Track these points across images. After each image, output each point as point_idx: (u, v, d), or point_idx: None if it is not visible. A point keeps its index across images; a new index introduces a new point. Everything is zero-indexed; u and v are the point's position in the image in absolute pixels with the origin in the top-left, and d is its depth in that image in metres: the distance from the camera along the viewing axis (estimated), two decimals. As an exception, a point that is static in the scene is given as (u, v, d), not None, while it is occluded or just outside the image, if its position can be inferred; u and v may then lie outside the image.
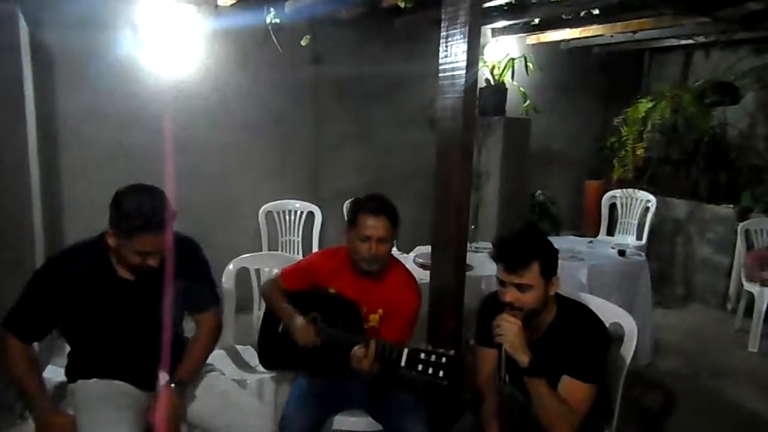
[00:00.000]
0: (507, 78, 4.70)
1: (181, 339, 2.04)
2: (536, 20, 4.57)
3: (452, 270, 2.29)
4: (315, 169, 4.62)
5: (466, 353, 2.43)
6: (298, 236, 4.37)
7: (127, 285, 1.84)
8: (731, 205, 4.84)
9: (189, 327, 2.08)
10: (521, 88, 4.76)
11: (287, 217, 4.36)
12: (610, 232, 5.26)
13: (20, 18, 3.02)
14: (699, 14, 3.89)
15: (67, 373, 1.94)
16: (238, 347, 2.64)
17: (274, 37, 3.97)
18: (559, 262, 1.86)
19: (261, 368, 2.33)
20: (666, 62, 5.99)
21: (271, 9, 3.88)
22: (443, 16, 2.21)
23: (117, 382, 1.87)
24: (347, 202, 4.25)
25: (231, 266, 2.68)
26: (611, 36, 4.84)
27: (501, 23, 4.55)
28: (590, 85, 5.99)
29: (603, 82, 6.02)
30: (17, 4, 2.99)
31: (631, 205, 5.17)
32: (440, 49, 2.23)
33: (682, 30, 4.54)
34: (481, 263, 3.24)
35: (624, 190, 5.18)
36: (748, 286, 4.11)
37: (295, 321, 2.03)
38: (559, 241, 1.88)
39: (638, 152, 5.06)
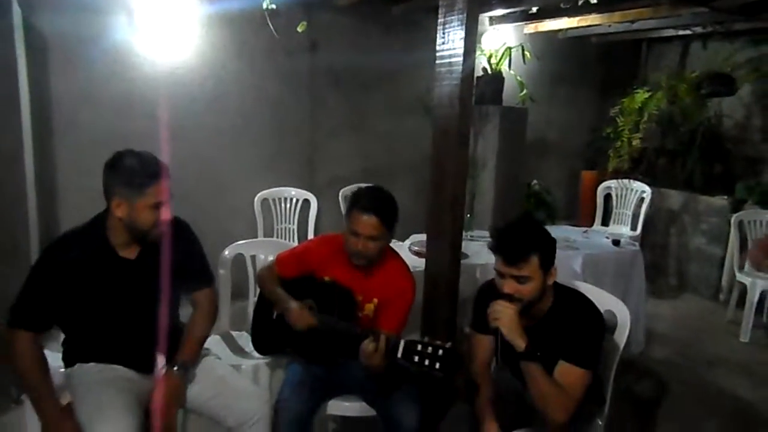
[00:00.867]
0: (504, 67, 4.69)
1: (179, 324, 2.04)
2: (534, 9, 4.56)
3: (447, 258, 2.30)
4: (311, 156, 4.61)
5: (461, 342, 2.45)
6: (293, 224, 4.37)
7: (128, 264, 1.84)
8: (725, 196, 4.86)
9: (184, 313, 2.09)
10: (518, 77, 4.75)
11: (283, 205, 4.36)
12: (605, 222, 5.28)
13: (13, 2, 2.99)
14: (697, 4, 3.89)
15: (64, 359, 1.94)
16: (234, 333, 2.65)
17: (270, 23, 3.94)
18: (555, 251, 1.87)
19: (256, 353, 2.34)
20: (663, 53, 5.99)
21: (268, -6, 3.85)
22: (441, 3, 2.20)
23: (115, 366, 1.87)
24: (344, 189, 4.28)
25: (226, 252, 2.68)
26: (609, 26, 4.83)
27: (499, 11, 4.53)
28: (587, 75, 5.98)
29: (600, 72, 6.02)
30: (10, -13, 2.96)
31: (626, 195, 5.19)
32: (437, 36, 2.22)
33: (679, 20, 4.54)
34: (477, 252, 3.26)
35: (619, 180, 5.20)
36: (740, 276, 4.14)
37: (289, 305, 2.04)
38: (553, 231, 1.88)
39: (634, 143, 5.08)
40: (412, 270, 2.21)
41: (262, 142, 4.37)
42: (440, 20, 2.20)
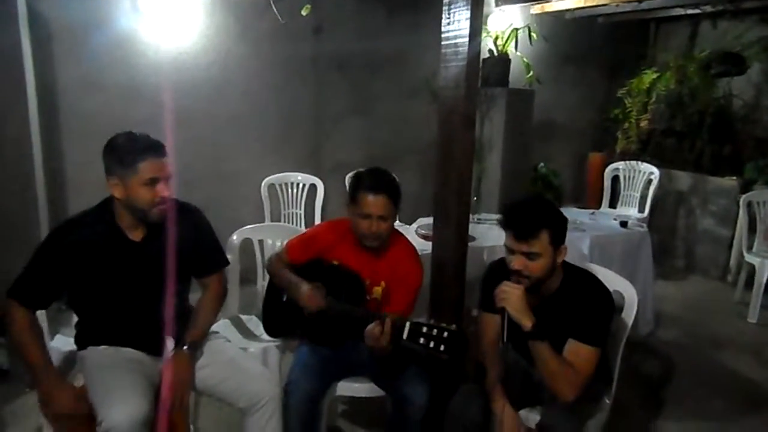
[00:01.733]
0: (510, 48, 4.65)
1: (188, 307, 2.06)
2: (541, -11, 4.51)
3: (454, 241, 2.29)
4: (317, 141, 4.61)
5: (469, 324, 2.46)
6: (300, 209, 4.38)
7: (136, 247, 1.86)
8: (734, 177, 4.82)
9: (193, 298, 2.11)
10: (524, 59, 4.71)
11: (290, 190, 4.36)
12: (613, 204, 5.26)
13: (18, -11, 2.99)
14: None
15: (76, 341, 1.96)
16: (243, 317, 2.67)
17: (274, 7, 3.92)
18: (564, 231, 1.86)
19: (265, 336, 2.36)
20: (672, 32, 5.91)
21: (271, -22, 3.83)
22: (446, -17, 2.17)
23: (126, 348, 1.89)
24: (350, 173, 4.27)
25: (234, 237, 2.70)
26: (617, 5, 4.77)
27: (505, -8, 4.48)
28: (594, 56, 5.92)
29: (608, 52, 5.95)
30: (14, -26, 2.96)
31: (634, 177, 5.16)
32: (443, 17, 2.19)
33: (688, -1, 4.47)
34: (484, 234, 3.26)
35: (627, 162, 5.17)
36: (749, 257, 4.12)
37: (301, 288, 2.05)
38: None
39: (642, 124, 5.05)
40: (419, 253, 2.22)
41: (268, 127, 4.37)
42: (445, 1, 2.18)
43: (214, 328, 2.12)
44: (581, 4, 4.74)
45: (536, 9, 5.08)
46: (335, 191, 4.44)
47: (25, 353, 1.77)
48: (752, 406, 2.93)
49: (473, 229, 2.89)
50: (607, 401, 2.03)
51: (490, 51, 4.64)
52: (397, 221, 3.79)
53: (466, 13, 2.08)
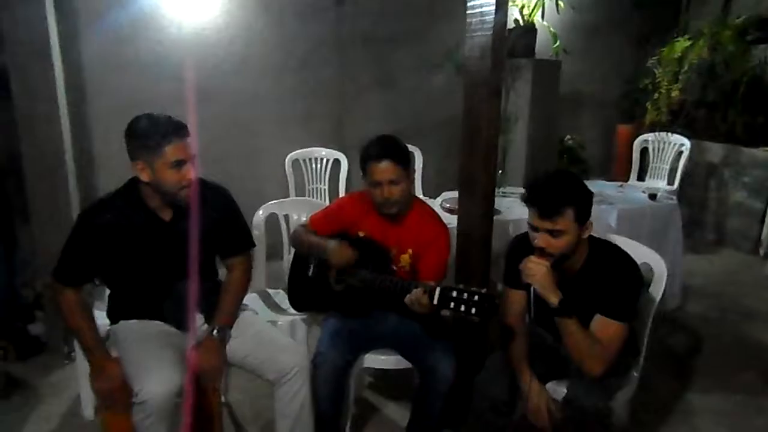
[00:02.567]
0: (537, 18, 4.53)
1: (217, 282, 2.09)
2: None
3: (480, 214, 2.28)
4: (340, 115, 4.58)
5: (495, 297, 2.45)
6: (324, 184, 4.39)
7: (166, 226, 1.89)
8: (769, 148, 4.68)
9: (222, 274, 2.13)
10: (551, 29, 4.59)
11: (313, 165, 4.37)
12: (641, 177, 5.15)
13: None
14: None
15: (108, 315, 2.02)
16: (270, 291, 2.70)
17: (296, -20, 3.88)
18: (590, 206, 1.83)
19: (292, 310, 2.39)
20: (705, -2, 5.69)
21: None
22: (471, -50, 2.11)
23: (156, 322, 1.94)
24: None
25: (260, 212, 2.72)
26: (648, -30, 4.60)
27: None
28: (624, 25, 5.73)
29: (637, 20, 5.75)
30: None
31: (663, 149, 5.03)
32: (468, -16, 2.15)
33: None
34: (509, 207, 3.23)
35: (657, 133, 5.03)
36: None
37: (328, 245, 2.08)
38: (588, 186, 1.84)
39: (673, 94, 4.90)
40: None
41: (291, 102, 4.36)
42: (471, -32, 2.12)
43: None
44: (610, -30, 4.59)
45: (564, -24, 4.93)
46: (359, 166, 4.42)
47: (78, 332, 1.84)
48: (783, 380, 2.89)
49: (498, 202, 2.87)
50: (635, 374, 2.02)
51: (516, 21, 4.54)
52: (422, 195, 3.80)
53: (493, -19, 2.03)
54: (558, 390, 1.90)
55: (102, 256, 1.84)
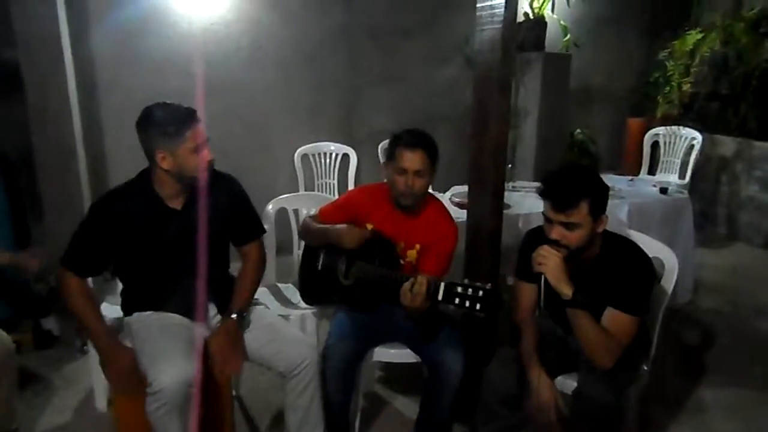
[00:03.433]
0: (547, 11, 4.51)
1: (228, 274, 2.11)
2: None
3: (489, 208, 2.27)
4: (349, 110, 4.58)
5: (503, 292, 2.45)
6: (333, 179, 4.40)
7: (177, 215, 1.90)
8: (782, 142, 4.64)
9: (234, 267, 2.15)
10: (561, 22, 4.57)
11: (323, 160, 4.38)
12: (652, 171, 5.11)
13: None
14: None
15: (122, 308, 2.04)
16: (280, 285, 2.72)
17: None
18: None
19: (302, 304, 2.40)
20: (718, -10, 5.62)
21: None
22: (481, -57, 2.10)
23: (170, 314, 1.95)
24: (383, 142, 4.25)
25: (270, 207, 2.73)
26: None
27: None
28: (635, 17, 5.69)
29: (648, 13, 5.71)
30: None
31: (674, 143, 4.99)
32: (478, -22, 2.14)
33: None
34: (519, 202, 3.22)
35: (668, 127, 4.99)
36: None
37: (338, 228, 2.08)
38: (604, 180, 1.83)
39: (684, 87, 4.87)
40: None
41: (300, 96, 4.36)
42: (481, -39, 2.11)
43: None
44: (621, -38, 4.55)
45: (574, -32, 4.89)
46: (368, 160, 4.44)
47: (82, 318, 1.86)
48: (795, 376, 2.87)
49: (508, 196, 2.86)
50: (645, 368, 2.01)
51: (526, 14, 4.51)
52: (432, 189, 3.78)
53: (503, -26, 2.02)
54: (568, 383, 1.90)
55: (113, 245, 1.86)
